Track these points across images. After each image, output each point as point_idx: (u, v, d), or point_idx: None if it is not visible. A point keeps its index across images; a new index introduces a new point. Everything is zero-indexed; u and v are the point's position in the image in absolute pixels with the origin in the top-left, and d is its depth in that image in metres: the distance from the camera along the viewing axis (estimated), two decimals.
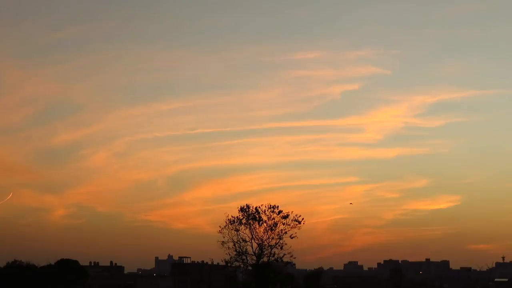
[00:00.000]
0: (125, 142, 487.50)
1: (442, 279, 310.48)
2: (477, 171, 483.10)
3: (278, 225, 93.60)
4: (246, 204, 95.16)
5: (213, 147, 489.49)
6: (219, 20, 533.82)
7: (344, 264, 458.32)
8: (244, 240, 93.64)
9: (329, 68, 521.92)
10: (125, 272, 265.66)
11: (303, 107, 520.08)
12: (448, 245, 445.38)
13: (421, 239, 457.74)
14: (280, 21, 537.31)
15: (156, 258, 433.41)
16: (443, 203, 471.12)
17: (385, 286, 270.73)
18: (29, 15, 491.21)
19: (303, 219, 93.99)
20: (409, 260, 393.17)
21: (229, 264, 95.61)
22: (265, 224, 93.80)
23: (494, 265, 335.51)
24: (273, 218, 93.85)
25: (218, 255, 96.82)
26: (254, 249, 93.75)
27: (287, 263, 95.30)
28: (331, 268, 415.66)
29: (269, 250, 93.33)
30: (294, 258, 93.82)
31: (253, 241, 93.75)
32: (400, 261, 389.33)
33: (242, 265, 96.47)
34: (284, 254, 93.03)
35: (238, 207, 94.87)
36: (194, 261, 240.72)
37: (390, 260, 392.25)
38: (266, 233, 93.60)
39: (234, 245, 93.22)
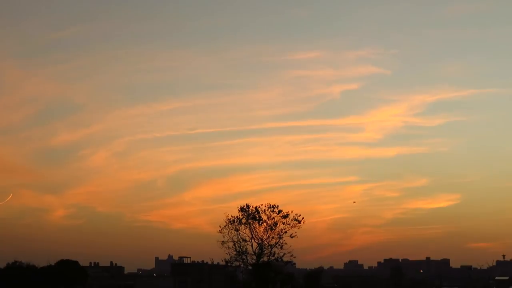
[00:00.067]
0: (125, 142, 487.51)
1: (443, 277, 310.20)
2: (477, 170, 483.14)
3: (278, 225, 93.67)
4: (246, 204, 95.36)
5: (213, 147, 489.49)
6: (219, 20, 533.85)
7: (344, 263, 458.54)
8: (244, 240, 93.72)
9: (329, 68, 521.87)
10: (125, 272, 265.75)
11: (303, 107, 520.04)
12: (448, 243, 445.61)
13: (421, 238, 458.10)
14: (280, 21, 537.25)
15: (156, 258, 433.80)
16: (443, 202, 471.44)
17: (385, 285, 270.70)
18: (29, 15, 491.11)
19: (303, 218, 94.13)
20: (409, 259, 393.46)
21: (229, 264, 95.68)
22: (265, 224, 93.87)
23: (494, 264, 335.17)
24: (273, 218, 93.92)
25: (218, 255, 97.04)
26: (254, 249, 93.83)
27: (287, 262, 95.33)
28: (331, 267, 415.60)
29: (269, 249, 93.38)
30: (294, 257, 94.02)
31: (253, 240, 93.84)
32: (400, 260, 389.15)
33: (242, 265, 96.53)
34: (284, 254, 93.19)
35: (238, 207, 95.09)
36: (194, 261, 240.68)
37: (390, 259, 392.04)
38: (266, 233, 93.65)
39: (234, 244, 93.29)
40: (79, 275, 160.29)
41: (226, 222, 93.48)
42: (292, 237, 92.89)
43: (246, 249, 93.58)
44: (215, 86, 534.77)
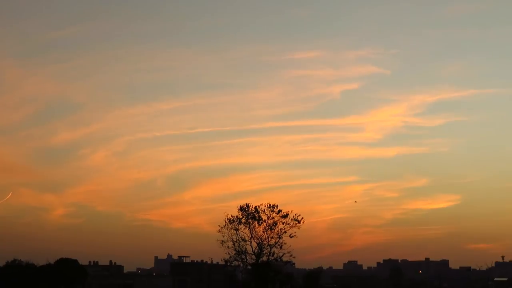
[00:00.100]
0: (125, 142, 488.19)
1: (442, 278, 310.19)
2: (477, 170, 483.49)
3: (277, 225, 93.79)
4: (246, 204, 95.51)
5: (212, 146, 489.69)
6: (219, 20, 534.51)
7: (344, 264, 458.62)
8: (244, 240, 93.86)
9: (329, 67, 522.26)
10: (125, 271, 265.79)
11: (303, 106, 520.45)
12: (448, 244, 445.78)
13: (421, 238, 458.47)
14: (280, 21, 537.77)
15: (156, 257, 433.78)
16: (442, 202, 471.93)
17: (385, 285, 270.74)
18: (29, 14, 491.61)
19: (302, 218, 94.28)
20: (409, 260, 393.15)
21: (228, 263, 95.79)
22: (264, 224, 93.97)
23: (493, 265, 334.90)
24: (273, 218, 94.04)
25: (218, 254, 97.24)
26: (253, 249, 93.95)
27: (287, 262, 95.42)
28: (330, 268, 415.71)
29: (269, 249, 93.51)
30: (294, 257, 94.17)
31: (252, 240, 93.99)
32: (399, 261, 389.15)
33: (241, 264, 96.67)
34: (284, 253, 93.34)
35: (237, 207, 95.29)
36: (194, 260, 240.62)
37: (390, 260, 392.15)
38: (265, 233, 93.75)
39: (234, 244, 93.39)
40: (78, 274, 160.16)
41: (225, 222, 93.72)
42: (291, 237, 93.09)
43: (246, 248, 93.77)
44: (215, 86, 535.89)
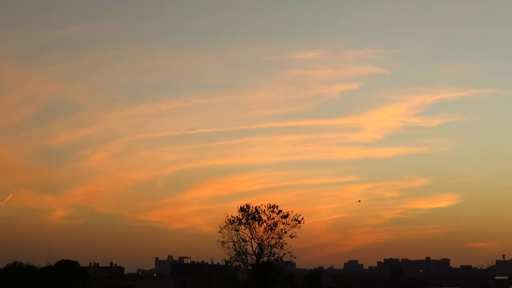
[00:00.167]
0: (124, 142, 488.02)
1: (442, 277, 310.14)
2: (477, 170, 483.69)
3: (278, 225, 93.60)
4: (246, 204, 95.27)
5: (212, 147, 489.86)
6: (219, 20, 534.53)
7: (344, 263, 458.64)
8: (244, 240, 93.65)
9: (328, 67, 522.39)
10: (125, 272, 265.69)
11: (302, 106, 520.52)
12: (448, 243, 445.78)
13: (421, 237, 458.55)
14: (280, 21, 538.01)
15: (156, 258, 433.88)
16: (442, 202, 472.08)
17: (385, 285, 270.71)
18: (29, 14, 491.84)
19: (302, 218, 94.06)
20: (409, 259, 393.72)
21: (229, 264, 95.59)
22: (265, 224, 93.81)
23: (494, 263, 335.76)
24: (273, 218, 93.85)
25: (218, 255, 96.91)
26: (254, 249, 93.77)
27: (287, 262, 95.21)
28: (331, 267, 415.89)
29: (269, 249, 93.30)
30: (294, 257, 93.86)
31: (253, 240, 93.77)
32: (400, 260, 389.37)
33: (242, 265, 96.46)
34: (284, 254, 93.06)
35: (237, 207, 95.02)
36: (194, 261, 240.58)
37: (390, 259, 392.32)
38: (266, 233, 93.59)
39: (234, 245, 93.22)
40: (79, 276, 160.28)
41: (226, 222, 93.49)
42: (292, 237, 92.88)
43: (246, 249, 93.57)
44: (215, 86, 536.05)
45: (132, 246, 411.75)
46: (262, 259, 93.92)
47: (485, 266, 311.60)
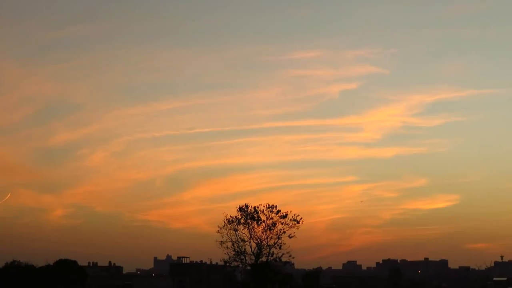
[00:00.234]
0: (124, 142, 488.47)
1: (441, 278, 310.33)
2: (476, 170, 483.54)
3: (276, 225, 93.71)
4: (245, 204, 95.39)
5: (211, 146, 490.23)
6: (218, 20, 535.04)
7: (343, 264, 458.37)
8: (243, 240, 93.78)
9: (327, 67, 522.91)
10: (124, 272, 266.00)
11: (302, 106, 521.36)
12: (447, 244, 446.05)
13: (420, 238, 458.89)
14: (279, 21, 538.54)
15: (155, 258, 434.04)
16: (441, 202, 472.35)
17: (384, 285, 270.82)
18: (29, 14, 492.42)
19: (301, 218, 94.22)
20: (408, 260, 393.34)
21: (227, 264, 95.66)
22: (263, 224, 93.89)
23: (492, 264, 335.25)
24: (272, 218, 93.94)
25: (217, 255, 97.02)
26: (252, 249, 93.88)
27: (286, 262, 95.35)
28: (329, 268, 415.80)
29: (268, 249, 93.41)
30: (293, 257, 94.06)
31: (251, 240, 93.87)
32: (398, 261, 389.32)
33: (240, 265, 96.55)
34: (283, 254, 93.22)
35: (236, 207, 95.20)
36: (193, 261, 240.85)
37: (389, 260, 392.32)
38: (264, 233, 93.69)
39: (233, 244, 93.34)
40: (77, 275, 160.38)
41: (224, 222, 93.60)
42: (290, 237, 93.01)
43: (245, 249, 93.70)
44: (215, 86, 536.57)
45: (131, 246, 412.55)
46: (260, 259, 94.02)
47: (483, 267, 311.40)
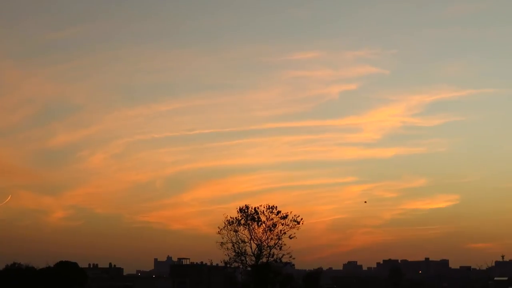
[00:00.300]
0: (123, 143, 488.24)
1: (442, 278, 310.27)
2: (476, 170, 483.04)
3: (277, 226, 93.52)
4: (245, 205, 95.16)
5: (211, 147, 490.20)
6: (218, 20, 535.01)
7: (343, 264, 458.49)
8: (243, 241, 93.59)
9: (327, 68, 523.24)
10: (124, 273, 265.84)
11: (301, 107, 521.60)
12: (447, 244, 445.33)
13: (420, 238, 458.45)
14: (279, 21, 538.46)
15: (155, 259, 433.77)
16: (441, 202, 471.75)
17: (385, 285, 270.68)
18: (28, 15, 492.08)
19: (302, 219, 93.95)
20: (408, 260, 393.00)
21: (228, 265, 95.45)
22: (264, 225, 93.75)
23: (493, 264, 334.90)
24: (272, 219, 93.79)
25: (217, 256, 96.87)
26: (253, 250, 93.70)
27: (286, 263, 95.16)
28: (330, 268, 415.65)
29: (268, 250, 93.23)
30: (293, 258, 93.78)
31: (252, 241, 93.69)
32: (399, 261, 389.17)
33: (241, 266, 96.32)
34: (283, 255, 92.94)
35: (236, 208, 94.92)
36: (193, 262, 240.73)
37: (389, 260, 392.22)
38: (265, 234, 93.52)
39: (233, 245, 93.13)
40: (78, 277, 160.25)
41: (225, 223, 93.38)
42: (291, 238, 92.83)
43: (245, 250, 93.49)
44: (214, 86, 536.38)
45: (131, 247, 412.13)
46: (261, 260, 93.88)
47: (484, 267, 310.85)
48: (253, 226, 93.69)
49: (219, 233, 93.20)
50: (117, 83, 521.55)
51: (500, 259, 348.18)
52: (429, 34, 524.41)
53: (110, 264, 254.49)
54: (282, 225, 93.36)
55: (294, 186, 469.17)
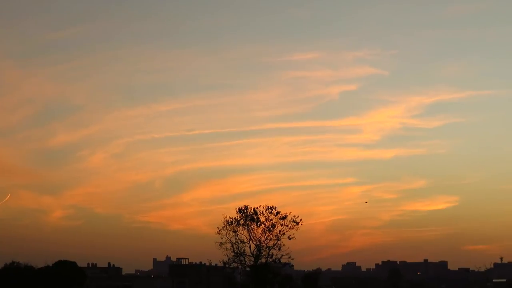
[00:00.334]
0: (123, 143, 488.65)
1: (440, 279, 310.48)
2: (475, 171, 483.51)
3: (276, 226, 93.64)
4: (244, 205, 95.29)
5: (211, 148, 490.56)
6: (218, 20, 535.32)
7: (342, 265, 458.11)
8: (242, 241, 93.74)
9: (327, 68, 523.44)
10: (123, 273, 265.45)
11: (301, 107, 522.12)
12: (446, 245, 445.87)
13: (419, 239, 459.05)
14: (279, 22, 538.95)
15: (154, 259, 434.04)
16: (441, 203, 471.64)
17: (383, 287, 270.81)
18: (28, 15, 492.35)
19: (301, 220, 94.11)
20: (407, 261, 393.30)
21: (227, 265, 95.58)
22: (263, 225, 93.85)
23: (492, 266, 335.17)
24: (271, 219, 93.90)
25: (216, 256, 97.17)
26: (252, 250, 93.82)
27: (285, 264, 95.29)
28: (329, 269, 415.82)
29: (267, 251, 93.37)
30: (292, 259, 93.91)
31: (251, 242, 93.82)
32: (398, 262, 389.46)
33: (240, 266, 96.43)
34: (282, 255, 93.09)
35: (236, 208, 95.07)
36: (192, 262, 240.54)
37: (388, 261, 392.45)
38: (264, 234, 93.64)
39: (232, 246, 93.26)
40: (77, 276, 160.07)
41: (224, 224, 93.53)
42: (290, 239, 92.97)
43: (244, 250, 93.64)
44: (214, 87, 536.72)
45: (130, 247, 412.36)
46: (260, 261, 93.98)
47: (483, 269, 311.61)
48: (252, 226, 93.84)
49: (218, 233, 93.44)
50: (117, 83, 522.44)
51: (499, 261, 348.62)
52: (429, 35, 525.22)
53: (109, 263, 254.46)
54: (281, 225, 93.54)
55: (294, 187, 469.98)
